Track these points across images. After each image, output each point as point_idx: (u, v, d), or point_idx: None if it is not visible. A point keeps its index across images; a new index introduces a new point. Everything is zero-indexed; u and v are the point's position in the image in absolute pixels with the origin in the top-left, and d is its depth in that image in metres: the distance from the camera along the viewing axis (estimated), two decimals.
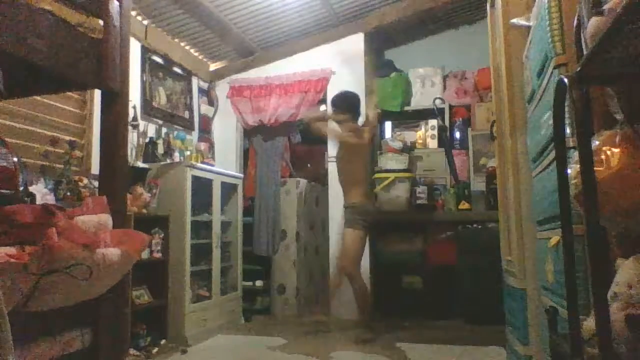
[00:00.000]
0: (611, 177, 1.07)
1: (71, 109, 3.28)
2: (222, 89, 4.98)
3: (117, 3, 1.71)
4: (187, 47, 4.57)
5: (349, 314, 4.15)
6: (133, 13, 3.71)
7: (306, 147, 5.67)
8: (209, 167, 4.11)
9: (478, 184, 4.32)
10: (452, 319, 4.06)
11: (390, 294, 4.38)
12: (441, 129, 4.60)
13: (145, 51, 4.04)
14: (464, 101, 4.61)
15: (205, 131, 4.85)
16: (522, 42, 2.18)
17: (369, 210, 3.80)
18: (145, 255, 3.24)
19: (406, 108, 4.71)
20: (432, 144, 4.84)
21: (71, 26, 1.51)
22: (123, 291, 1.69)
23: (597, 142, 1.13)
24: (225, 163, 4.78)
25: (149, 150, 3.88)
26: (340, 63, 4.63)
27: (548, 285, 1.79)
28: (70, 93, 3.23)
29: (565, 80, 1.09)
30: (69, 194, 2.89)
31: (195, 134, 4.68)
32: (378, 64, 4.96)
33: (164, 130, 4.15)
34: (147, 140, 3.93)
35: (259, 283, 4.73)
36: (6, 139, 1.57)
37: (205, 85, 4.91)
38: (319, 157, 5.56)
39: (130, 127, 3.61)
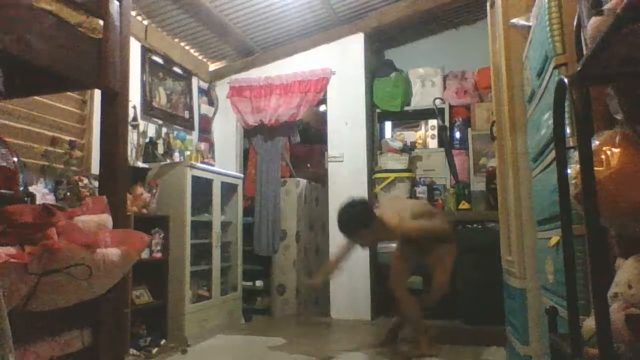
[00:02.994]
0: (611, 177, 1.07)
1: (71, 109, 3.28)
2: (222, 89, 4.98)
3: (117, 3, 1.71)
4: (187, 47, 4.57)
5: (350, 314, 4.16)
6: (133, 13, 3.70)
7: (306, 147, 5.67)
8: (209, 167, 4.11)
9: (478, 184, 4.32)
10: (452, 319, 4.06)
11: (390, 294, 4.37)
12: (441, 129, 4.60)
13: (145, 51, 4.03)
14: (464, 101, 4.61)
15: (205, 131, 4.85)
16: (522, 42, 2.19)
17: None
18: (145, 255, 3.24)
19: (406, 108, 4.71)
20: (432, 144, 4.84)
21: (71, 26, 1.51)
22: (123, 291, 1.69)
23: (597, 142, 1.13)
24: (225, 163, 4.78)
25: (149, 150, 3.88)
26: (340, 63, 4.63)
27: (548, 285, 1.79)
28: (70, 93, 3.22)
29: (565, 80, 1.09)
30: (69, 194, 2.89)
31: (195, 134, 4.68)
32: (378, 64, 4.96)
33: (164, 130, 4.15)
34: (147, 140, 3.93)
35: (259, 283, 4.73)
36: (6, 139, 1.57)
37: (205, 85, 4.91)
38: (319, 157, 5.56)
39: (130, 127, 3.60)
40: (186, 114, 4.55)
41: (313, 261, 4.95)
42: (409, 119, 5.05)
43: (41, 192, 2.61)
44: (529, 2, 2.18)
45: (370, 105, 4.71)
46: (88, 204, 1.50)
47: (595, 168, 1.03)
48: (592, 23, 1.07)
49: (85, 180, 3.01)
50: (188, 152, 4.26)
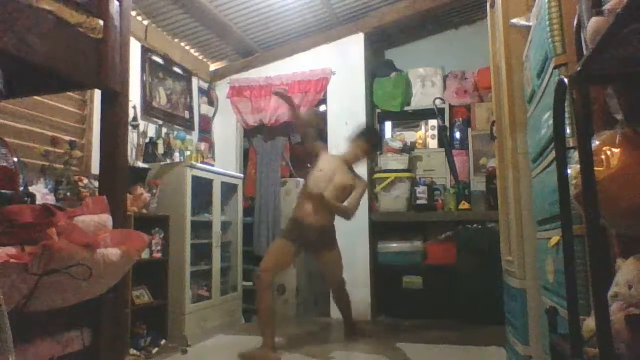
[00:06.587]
0: (611, 177, 1.07)
1: (71, 109, 3.28)
2: (222, 89, 4.98)
3: (117, 3, 1.71)
4: (187, 47, 4.57)
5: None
6: (133, 13, 3.70)
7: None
8: (209, 167, 4.11)
9: (478, 184, 4.32)
10: (452, 319, 4.06)
11: (390, 294, 4.38)
12: (441, 129, 4.60)
13: (145, 51, 4.03)
14: (464, 101, 4.61)
15: (205, 131, 4.85)
16: (522, 42, 2.19)
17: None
18: (145, 255, 3.24)
19: (406, 108, 4.71)
20: (432, 144, 4.84)
21: (71, 26, 1.51)
22: (123, 291, 1.69)
23: (597, 142, 1.13)
24: (225, 163, 4.78)
25: (149, 150, 3.88)
26: (340, 63, 4.63)
27: (548, 285, 1.79)
28: (70, 93, 3.22)
29: (565, 80, 1.09)
30: (69, 194, 2.88)
31: (195, 134, 4.68)
32: (378, 64, 4.96)
33: (164, 130, 4.15)
34: (147, 140, 3.93)
35: None
36: (6, 139, 1.57)
37: (205, 85, 4.91)
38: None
39: (130, 127, 3.60)
40: (186, 114, 4.55)
41: (313, 261, 4.94)
42: (409, 119, 5.06)
43: (41, 192, 2.60)
44: (529, 2, 2.18)
45: (370, 105, 4.71)
46: (88, 204, 1.50)
47: (595, 168, 1.03)
48: (592, 23, 1.07)
49: (85, 180, 3.01)
50: (188, 152, 4.26)
